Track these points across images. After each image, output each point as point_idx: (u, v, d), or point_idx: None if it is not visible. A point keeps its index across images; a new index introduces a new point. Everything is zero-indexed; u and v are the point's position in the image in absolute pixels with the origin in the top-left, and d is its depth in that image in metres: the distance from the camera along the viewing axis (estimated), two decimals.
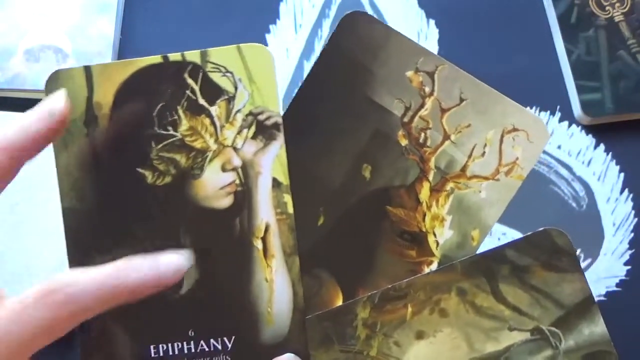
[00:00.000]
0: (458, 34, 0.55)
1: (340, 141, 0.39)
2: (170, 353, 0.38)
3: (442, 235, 0.39)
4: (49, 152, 0.47)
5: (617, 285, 0.49)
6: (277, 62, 0.48)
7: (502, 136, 0.39)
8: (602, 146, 0.53)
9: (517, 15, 0.56)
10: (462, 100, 0.39)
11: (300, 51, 0.55)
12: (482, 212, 0.39)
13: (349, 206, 0.39)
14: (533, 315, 0.37)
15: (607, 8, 0.55)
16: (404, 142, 0.39)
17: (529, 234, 0.38)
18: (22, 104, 0.51)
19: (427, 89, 0.39)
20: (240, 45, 0.39)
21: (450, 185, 0.39)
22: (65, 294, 0.30)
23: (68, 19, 0.53)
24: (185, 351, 0.38)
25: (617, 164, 0.52)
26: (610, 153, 0.53)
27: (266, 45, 0.53)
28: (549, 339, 0.36)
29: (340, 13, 0.55)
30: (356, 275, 0.39)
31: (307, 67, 0.54)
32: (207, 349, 0.38)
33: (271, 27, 0.55)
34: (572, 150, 0.52)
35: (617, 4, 0.55)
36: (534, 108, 0.54)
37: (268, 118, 0.39)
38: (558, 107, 0.54)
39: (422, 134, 0.39)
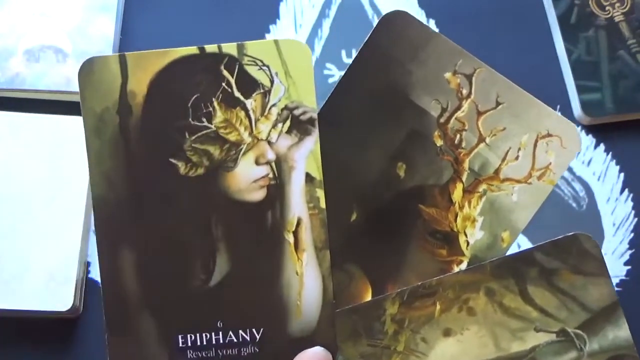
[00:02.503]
0: (458, 34, 0.54)
1: (375, 139, 0.40)
2: (199, 343, 0.38)
3: (472, 236, 0.39)
4: (49, 153, 0.47)
5: (617, 285, 0.49)
6: None
7: (536, 141, 0.40)
8: (602, 146, 0.53)
9: (517, 15, 0.56)
10: (498, 103, 0.40)
11: None
12: (513, 215, 0.39)
13: (382, 203, 0.40)
14: (559, 318, 0.38)
15: (607, 8, 0.55)
16: (439, 142, 0.40)
17: (558, 237, 0.38)
18: (22, 104, 0.51)
19: (465, 91, 0.40)
20: (278, 39, 0.40)
21: (483, 187, 0.39)
22: None
23: (68, 19, 0.53)
24: (214, 342, 0.38)
25: (617, 164, 0.53)
26: (610, 153, 0.53)
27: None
28: (574, 341, 0.37)
29: (340, 13, 0.55)
30: (386, 271, 0.39)
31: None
32: (235, 340, 0.38)
33: (271, 27, 0.55)
34: None
35: (617, 4, 0.55)
36: None
37: (303, 113, 0.39)
38: (558, 107, 0.54)
39: (458, 135, 0.40)
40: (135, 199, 0.39)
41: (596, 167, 0.52)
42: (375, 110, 0.40)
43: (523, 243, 0.49)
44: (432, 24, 0.55)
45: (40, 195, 0.48)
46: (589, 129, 0.53)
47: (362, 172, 0.40)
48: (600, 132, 0.53)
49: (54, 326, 0.47)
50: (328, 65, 0.53)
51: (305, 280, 0.38)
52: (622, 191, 0.52)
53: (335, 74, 0.54)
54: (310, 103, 0.39)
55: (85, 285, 0.48)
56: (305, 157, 0.39)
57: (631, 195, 0.52)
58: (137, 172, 0.39)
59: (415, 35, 0.40)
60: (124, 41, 0.54)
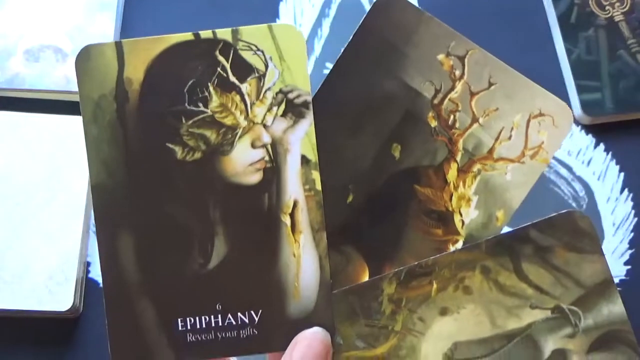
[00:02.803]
0: None
1: (370, 120, 0.40)
2: (198, 326, 0.39)
3: (467, 215, 0.40)
4: (49, 153, 0.47)
5: (617, 285, 0.48)
6: None
7: (528, 120, 0.40)
8: (602, 146, 0.53)
9: (517, 15, 0.56)
10: (491, 84, 0.40)
11: None
12: (508, 194, 0.40)
13: (378, 185, 0.40)
14: (554, 294, 0.38)
15: (607, 8, 0.55)
16: (433, 123, 0.40)
17: (552, 215, 0.39)
18: (22, 104, 0.51)
19: (458, 73, 0.40)
20: (272, 24, 0.40)
21: (477, 167, 0.40)
22: None
23: (68, 19, 0.53)
24: (213, 324, 0.39)
25: (617, 163, 0.53)
26: (610, 153, 0.53)
27: None
28: (569, 317, 0.38)
29: (340, 13, 0.56)
30: (383, 252, 0.40)
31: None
32: (234, 323, 0.39)
33: None
34: (572, 150, 0.53)
35: (617, 4, 0.55)
36: None
37: (298, 96, 0.39)
38: None
39: (452, 116, 0.40)
40: (133, 184, 0.39)
41: (596, 167, 0.52)
42: (370, 93, 0.40)
43: None
44: None
45: (40, 195, 0.48)
46: (589, 129, 0.53)
47: (358, 154, 0.40)
48: (600, 132, 0.53)
49: (54, 326, 0.47)
50: (328, 64, 0.54)
51: (303, 262, 0.39)
52: (622, 191, 0.52)
53: None
54: (304, 86, 0.39)
55: (85, 285, 0.48)
56: (301, 139, 0.39)
57: (631, 195, 0.52)
58: (134, 157, 0.39)
59: (408, 18, 0.41)
60: None
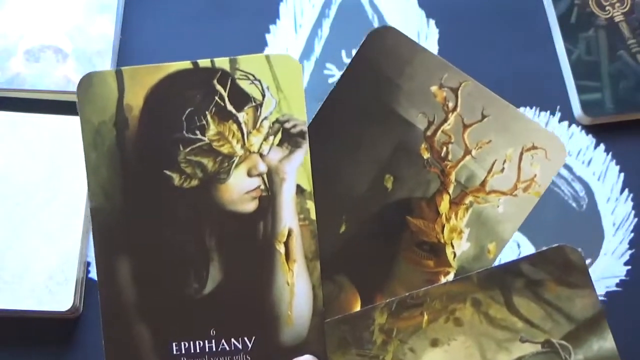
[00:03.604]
0: (458, 34, 0.55)
1: (364, 151, 0.41)
2: (192, 351, 0.39)
3: (459, 247, 0.40)
4: (49, 153, 0.48)
5: (617, 285, 0.49)
6: None
7: (521, 153, 0.40)
8: (602, 146, 0.53)
9: (517, 15, 0.56)
10: (484, 116, 0.40)
11: (300, 51, 0.55)
12: (500, 226, 0.40)
13: (371, 215, 0.40)
14: (544, 328, 0.38)
15: (607, 8, 0.55)
16: (426, 155, 0.41)
17: (543, 249, 0.39)
18: (22, 104, 0.51)
19: (451, 104, 0.41)
20: (269, 54, 0.41)
21: (469, 199, 0.40)
22: None
23: (68, 19, 0.53)
24: (207, 349, 0.39)
25: (617, 164, 0.52)
26: (610, 153, 0.53)
27: (266, 45, 0.53)
28: (559, 352, 0.38)
29: (340, 13, 0.55)
30: (375, 282, 0.40)
31: (307, 67, 0.55)
32: (227, 348, 0.39)
33: (271, 27, 0.55)
34: (572, 150, 0.52)
35: (617, 4, 0.55)
36: (534, 108, 0.54)
37: (294, 126, 0.40)
38: (558, 107, 0.54)
39: (444, 148, 0.40)
40: (131, 209, 0.40)
41: (596, 167, 0.52)
42: (363, 124, 0.41)
43: (523, 243, 0.49)
44: (432, 24, 0.56)
45: (40, 195, 0.48)
46: (589, 129, 0.53)
47: (351, 184, 0.41)
48: (600, 132, 0.53)
49: (54, 326, 0.47)
50: (328, 65, 0.54)
51: (296, 290, 0.39)
52: (622, 191, 0.52)
53: (335, 73, 0.54)
54: (301, 116, 0.40)
55: (85, 285, 0.48)
56: (296, 169, 0.40)
57: (631, 195, 0.51)
58: (132, 183, 0.40)
59: (402, 50, 0.41)
60: (124, 41, 0.54)
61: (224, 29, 0.55)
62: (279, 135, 0.40)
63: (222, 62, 0.40)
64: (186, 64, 0.40)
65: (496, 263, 0.40)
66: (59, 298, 0.45)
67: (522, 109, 0.52)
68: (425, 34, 0.55)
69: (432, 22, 0.56)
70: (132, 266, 0.39)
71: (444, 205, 0.40)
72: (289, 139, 0.40)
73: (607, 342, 0.38)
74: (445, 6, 0.56)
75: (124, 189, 0.40)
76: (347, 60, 0.51)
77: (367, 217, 0.40)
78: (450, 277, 0.40)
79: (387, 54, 0.41)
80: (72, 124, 0.48)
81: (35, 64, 0.51)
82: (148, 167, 0.40)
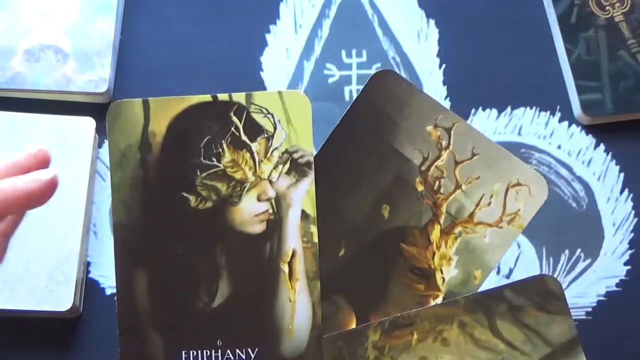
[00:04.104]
0: (458, 34, 0.54)
1: (364, 183, 0.44)
2: (200, 359, 0.42)
3: (448, 273, 0.43)
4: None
5: (617, 285, 0.49)
6: (277, 63, 0.52)
7: (507, 189, 0.44)
8: (602, 146, 0.52)
9: (517, 15, 0.55)
10: (473, 154, 0.44)
11: (300, 51, 0.54)
12: (485, 255, 0.43)
13: (368, 241, 0.44)
14: (524, 351, 0.41)
15: (607, 8, 0.54)
16: (420, 187, 0.44)
17: (525, 277, 0.42)
18: (22, 104, 0.50)
19: (444, 143, 0.44)
20: (282, 91, 0.45)
21: (458, 229, 0.44)
22: None
23: (68, 19, 0.52)
24: (213, 358, 0.42)
25: (617, 164, 0.52)
26: (610, 153, 0.52)
27: (266, 45, 0.53)
28: None
29: (340, 13, 0.55)
30: (370, 302, 0.43)
31: (307, 67, 0.53)
32: (232, 358, 0.42)
33: (271, 27, 0.54)
34: (572, 150, 0.52)
35: (617, 4, 0.54)
36: (534, 108, 0.52)
37: (302, 157, 0.44)
38: (558, 107, 0.53)
39: (437, 182, 0.44)
40: (150, 226, 0.43)
41: (596, 167, 0.51)
42: (364, 157, 0.45)
43: (525, 245, 0.48)
44: (432, 24, 0.55)
45: None
46: (589, 129, 0.52)
47: (351, 212, 0.44)
48: (600, 132, 0.52)
49: (54, 326, 0.46)
50: (328, 65, 0.53)
51: (298, 306, 0.43)
52: (622, 191, 0.51)
53: (335, 74, 0.53)
54: (308, 148, 0.44)
55: (85, 285, 0.47)
56: (302, 196, 0.44)
57: (631, 195, 0.51)
58: (152, 202, 0.44)
59: (401, 91, 0.45)
60: (124, 41, 0.54)
61: (224, 29, 0.54)
62: (288, 165, 0.44)
63: (239, 97, 0.44)
64: (206, 97, 0.44)
65: (482, 289, 0.43)
66: (59, 298, 0.45)
67: (522, 109, 0.52)
68: (425, 34, 0.54)
69: (432, 22, 0.55)
70: (148, 279, 0.43)
71: (435, 234, 0.44)
72: (297, 168, 0.44)
73: None
74: (445, 6, 0.55)
75: (145, 207, 0.43)
76: (347, 61, 0.52)
77: (364, 242, 0.44)
78: (439, 300, 0.43)
79: (387, 94, 0.45)
80: (72, 124, 0.48)
81: (36, 64, 0.50)
82: (167, 188, 0.44)
